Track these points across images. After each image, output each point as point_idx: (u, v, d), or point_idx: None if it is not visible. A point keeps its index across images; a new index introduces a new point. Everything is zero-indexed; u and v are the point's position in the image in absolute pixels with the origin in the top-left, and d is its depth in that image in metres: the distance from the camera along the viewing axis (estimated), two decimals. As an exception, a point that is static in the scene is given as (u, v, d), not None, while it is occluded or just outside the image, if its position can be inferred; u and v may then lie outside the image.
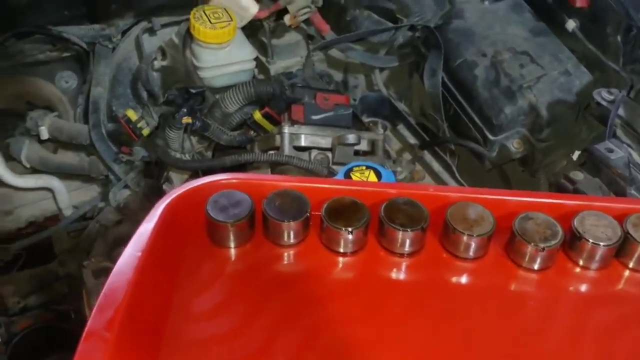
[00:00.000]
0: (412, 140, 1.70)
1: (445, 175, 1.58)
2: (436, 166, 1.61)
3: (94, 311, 0.71)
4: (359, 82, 1.91)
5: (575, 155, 1.32)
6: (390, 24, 1.75)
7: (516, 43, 1.55)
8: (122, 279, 0.74)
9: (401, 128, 1.74)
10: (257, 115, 1.49)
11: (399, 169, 1.52)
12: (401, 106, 1.77)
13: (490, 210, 0.85)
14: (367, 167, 1.26)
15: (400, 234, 0.84)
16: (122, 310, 0.71)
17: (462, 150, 1.58)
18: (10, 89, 1.78)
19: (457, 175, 1.54)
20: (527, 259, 0.84)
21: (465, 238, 0.84)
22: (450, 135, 1.58)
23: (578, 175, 1.13)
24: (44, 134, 1.79)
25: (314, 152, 1.45)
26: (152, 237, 0.80)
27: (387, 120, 1.78)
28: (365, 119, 1.74)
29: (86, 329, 0.69)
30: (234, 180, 0.90)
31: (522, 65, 1.50)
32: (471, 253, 0.85)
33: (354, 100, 1.78)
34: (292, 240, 0.86)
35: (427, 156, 1.63)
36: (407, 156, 1.67)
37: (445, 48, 1.56)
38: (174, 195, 0.87)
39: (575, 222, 0.83)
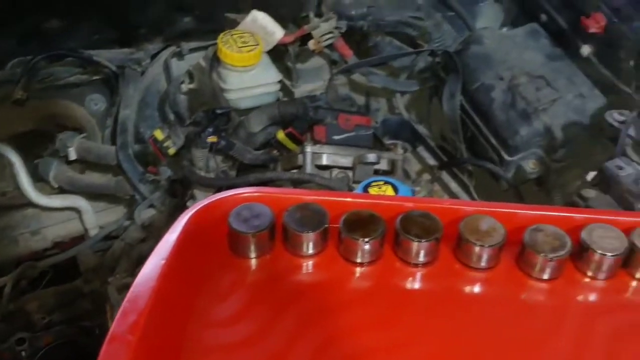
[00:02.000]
0: (432, 161, 1.73)
1: (462, 195, 1.60)
2: (454, 186, 1.63)
3: (117, 316, 0.73)
4: (380, 106, 1.95)
5: (590, 176, 1.34)
6: (411, 49, 1.79)
7: (532, 68, 1.58)
8: (146, 286, 0.77)
9: (421, 150, 1.77)
10: (281, 135, 1.53)
11: (417, 188, 1.55)
12: (421, 129, 1.80)
13: (501, 223, 0.87)
14: (385, 182, 1.30)
15: (415, 245, 0.87)
16: (145, 315, 0.73)
17: (480, 170, 1.61)
18: (41, 110, 1.83)
19: (474, 195, 1.57)
20: (536, 269, 0.86)
21: (477, 249, 0.86)
22: (467, 156, 1.61)
23: (590, 193, 1.16)
24: (72, 155, 1.83)
25: (335, 171, 1.49)
26: (175, 247, 0.83)
27: (407, 142, 1.82)
28: (387, 141, 1.78)
29: (109, 332, 0.71)
30: (256, 194, 0.93)
31: (538, 89, 1.53)
32: (483, 263, 0.88)
33: (376, 122, 1.82)
34: (311, 251, 0.89)
35: (446, 177, 1.66)
36: (426, 177, 1.70)
37: (463, 72, 1.60)
38: (197, 208, 0.90)
39: (584, 234, 0.86)
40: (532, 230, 0.86)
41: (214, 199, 0.93)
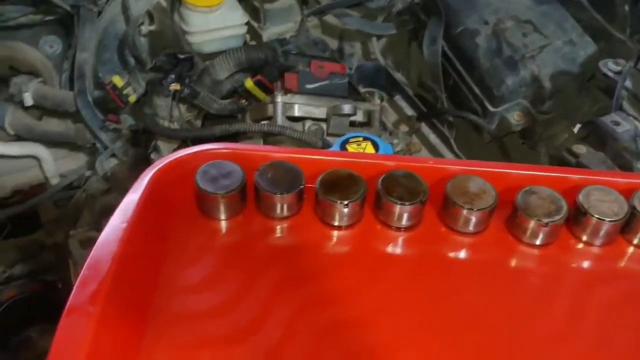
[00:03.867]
0: (410, 111, 1.66)
1: (442, 148, 1.54)
2: (433, 138, 1.57)
3: (76, 285, 0.68)
4: (355, 50, 1.86)
5: (577, 128, 1.28)
6: (389, -12, 1.69)
7: (519, 11, 1.49)
8: (107, 252, 0.71)
9: (398, 99, 1.70)
10: (249, 83, 1.43)
11: (395, 140, 1.47)
12: (398, 76, 1.73)
13: (491, 184, 0.81)
14: (365, 139, 1.22)
15: (397, 208, 0.81)
16: (106, 284, 0.68)
17: (461, 122, 1.54)
18: (-8, 53, 1.73)
19: (454, 147, 1.51)
20: (528, 234, 0.80)
21: (465, 212, 0.80)
22: (448, 106, 1.54)
23: (581, 149, 1.10)
24: (28, 101, 1.74)
25: (308, 123, 1.41)
26: (138, 208, 0.77)
27: (383, 90, 1.74)
28: (362, 89, 1.69)
29: (68, 303, 0.66)
30: (225, 150, 0.87)
31: (525, 35, 1.44)
32: (471, 228, 0.82)
33: (350, 69, 1.73)
34: (285, 213, 0.83)
35: (425, 128, 1.59)
36: (403, 128, 1.63)
37: (445, 15, 1.51)
38: (160, 165, 0.83)
39: (581, 197, 0.80)
40: (525, 192, 0.81)
41: (178, 156, 0.86)
